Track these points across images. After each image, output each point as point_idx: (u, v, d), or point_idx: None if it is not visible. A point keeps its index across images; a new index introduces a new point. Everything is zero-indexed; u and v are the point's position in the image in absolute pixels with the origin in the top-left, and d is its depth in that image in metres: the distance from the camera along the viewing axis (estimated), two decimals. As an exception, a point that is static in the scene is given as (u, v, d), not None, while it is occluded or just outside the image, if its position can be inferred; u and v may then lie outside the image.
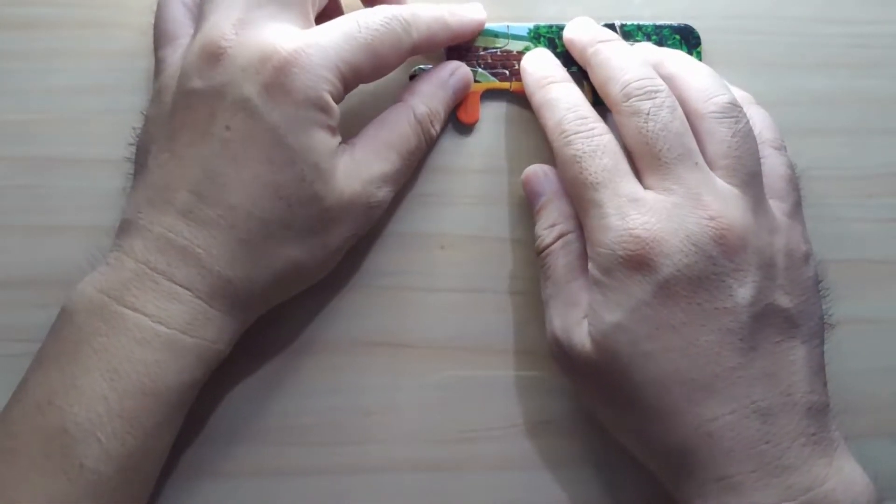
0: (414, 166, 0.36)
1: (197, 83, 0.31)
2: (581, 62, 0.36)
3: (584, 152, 0.32)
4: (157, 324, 0.30)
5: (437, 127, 0.36)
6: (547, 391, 0.36)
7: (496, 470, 0.36)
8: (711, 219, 0.30)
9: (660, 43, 0.37)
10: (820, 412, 0.31)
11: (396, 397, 0.36)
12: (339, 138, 0.33)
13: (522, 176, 0.36)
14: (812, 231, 0.37)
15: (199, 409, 0.35)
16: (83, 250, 0.34)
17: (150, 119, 0.33)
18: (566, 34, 0.37)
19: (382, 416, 0.36)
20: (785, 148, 0.35)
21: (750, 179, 0.32)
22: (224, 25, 0.31)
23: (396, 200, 0.37)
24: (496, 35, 0.37)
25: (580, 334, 0.32)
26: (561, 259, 0.34)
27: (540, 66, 0.36)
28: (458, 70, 0.36)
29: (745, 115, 0.33)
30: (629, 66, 0.33)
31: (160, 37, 0.34)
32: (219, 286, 0.31)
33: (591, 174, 0.32)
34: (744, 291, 0.30)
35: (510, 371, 0.36)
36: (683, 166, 0.31)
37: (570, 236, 0.34)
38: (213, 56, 0.31)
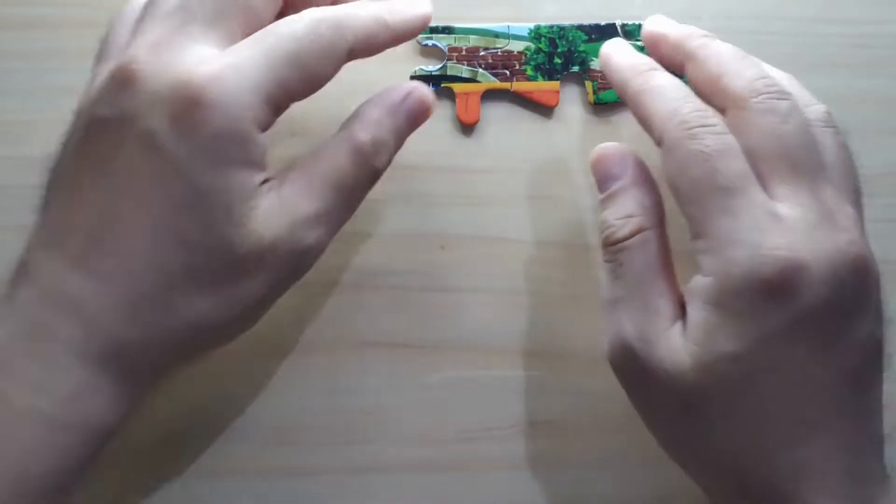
0: (355, 204, 0.31)
1: (104, 110, 0.28)
2: (673, 57, 0.32)
3: (716, 150, 0.28)
4: (36, 396, 0.26)
5: (384, 158, 0.31)
6: (547, 391, 0.36)
7: (496, 470, 0.36)
8: (851, 244, 0.27)
9: (660, 43, 0.37)
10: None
11: (396, 397, 0.36)
12: (263, 174, 0.29)
13: (594, 153, 0.32)
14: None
15: (198, 408, 0.35)
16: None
17: (62, 146, 0.29)
18: (651, 28, 0.33)
19: (382, 416, 0.36)
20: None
21: (858, 197, 0.30)
22: (140, 47, 0.28)
23: (396, 200, 0.37)
24: (497, 35, 0.37)
25: (671, 350, 0.28)
26: (639, 257, 0.30)
27: (629, 53, 0.33)
28: (413, 92, 0.32)
29: (839, 124, 0.30)
30: (748, 63, 0.30)
31: (101, 50, 0.31)
32: (111, 350, 0.27)
33: (724, 177, 0.28)
34: (865, 327, 0.28)
35: (510, 371, 0.36)
36: (818, 179, 0.28)
37: (650, 233, 0.30)
38: (123, 81, 0.27)
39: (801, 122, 0.29)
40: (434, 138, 0.37)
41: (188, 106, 0.27)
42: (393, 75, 0.37)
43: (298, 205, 0.29)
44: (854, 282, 0.27)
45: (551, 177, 0.37)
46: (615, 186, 0.31)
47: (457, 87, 0.37)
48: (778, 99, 0.29)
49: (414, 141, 0.37)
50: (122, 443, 0.35)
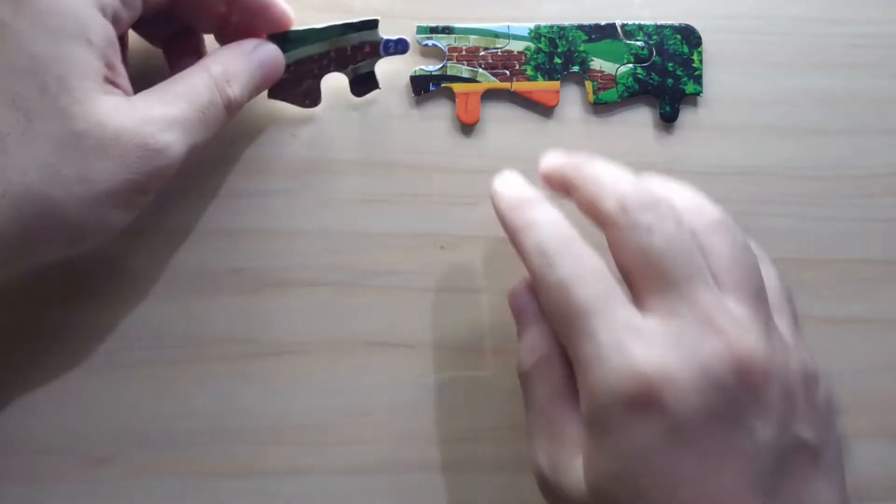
0: (211, 125, 0.32)
1: None
2: (560, 187, 0.32)
3: (573, 276, 0.28)
4: None
5: (237, 89, 0.33)
6: (547, 391, 0.36)
7: (496, 470, 0.36)
8: (730, 347, 0.26)
9: (661, 43, 0.37)
10: None
11: (396, 397, 0.36)
12: (112, 74, 0.30)
13: (508, 293, 0.33)
14: (812, 231, 0.37)
15: (198, 408, 0.35)
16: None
17: None
18: (542, 166, 0.33)
19: (382, 416, 0.36)
20: (768, 259, 0.33)
21: (758, 296, 0.28)
22: None
23: (396, 200, 0.37)
24: (497, 35, 0.37)
25: (572, 475, 0.28)
26: (543, 386, 0.30)
27: (514, 187, 0.32)
28: (263, 45, 0.34)
29: (738, 227, 0.30)
30: (622, 178, 0.30)
31: None
32: None
33: (579, 300, 0.28)
34: (766, 429, 0.26)
35: (510, 371, 0.36)
36: (694, 285, 0.27)
37: (554, 359, 0.30)
38: None
39: (670, 233, 0.28)
40: (434, 138, 0.37)
41: None
42: (394, 74, 0.37)
43: (150, 107, 0.30)
44: (736, 385, 0.26)
45: (551, 177, 0.37)
46: (523, 319, 0.32)
47: (457, 87, 0.37)
48: (644, 212, 0.28)
49: (414, 141, 0.37)
50: (123, 443, 0.35)
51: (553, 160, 0.33)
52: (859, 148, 0.38)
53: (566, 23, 0.37)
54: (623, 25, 0.37)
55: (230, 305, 0.36)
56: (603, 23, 0.37)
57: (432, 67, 0.37)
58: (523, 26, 0.37)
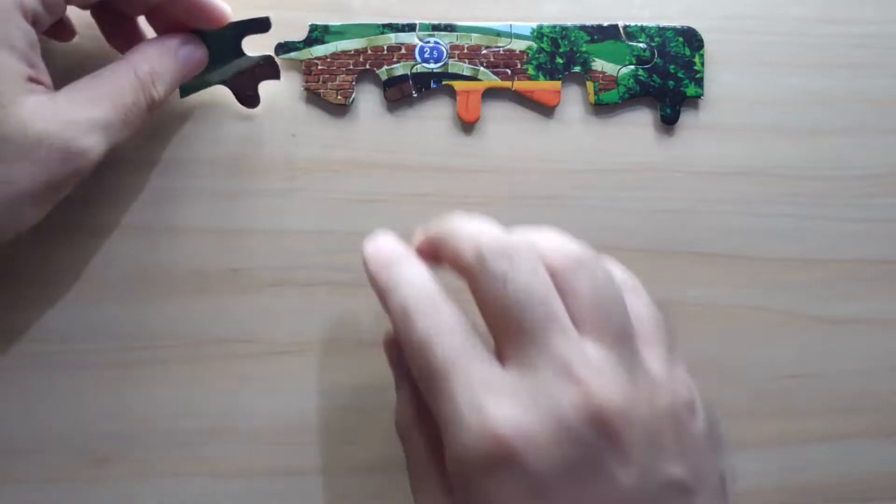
0: (133, 125, 0.32)
1: None
2: (432, 255, 0.31)
3: (429, 335, 0.27)
4: None
5: (161, 89, 0.33)
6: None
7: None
8: (585, 396, 0.26)
9: (663, 45, 0.37)
10: None
11: (396, 397, 0.36)
12: (35, 73, 0.30)
13: (382, 342, 0.33)
14: (812, 231, 0.37)
15: (198, 408, 0.35)
16: (84, 248, 0.34)
17: None
18: (413, 243, 0.31)
19: (381, 416, 0.36)
20: (641, 287, 0.31)
21: (621, 335, 0.27)
22: None
23: (395, 200, 0.37)
24: (499, 34, 0.37)
25: None
26: (418, 443, 0.30)
27: (382, 246, 0.31)
28: (187, 41, 0.34)
29: (600, 263, 0.29)
30: (483, 229, 0.29)
31: None
32: None
33: (437, 360, 0.27)
34: (628, 474, 0.26)
35: (511, 371, 0.36)
36: (548, 334, 0.26)
37: (427, 417, 0.29)
38: None
39: (524, 279, 0.27)
40: (434, 137, 0.37)
41: None
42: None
43: (75, 109, 0.30)
44: (594, 435, 0.25)
45: (551, 177, 0.37)
46: (397, 373, 0.32)
47: (458, 85, 0.37)
48: (500, 261, 0.27)
49: (414, 140, 0.37)
50: (123, 443, 0.35)
51: (422, 231, 0.31)
52: (859, 148, 0.38)
53: (569, 23, 0.37)
54: (625, 27, 0.37)
55: (230, 305, 0.36)
56: (605, 24, 0.37)
57: (433, 65, 0.37)
58: (525, 25, 0.37)
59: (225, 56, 0.36)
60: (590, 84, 0.37)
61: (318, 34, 0.36)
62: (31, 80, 0.30)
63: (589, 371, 0.26)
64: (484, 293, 0.28)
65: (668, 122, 0.37)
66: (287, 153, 0.37)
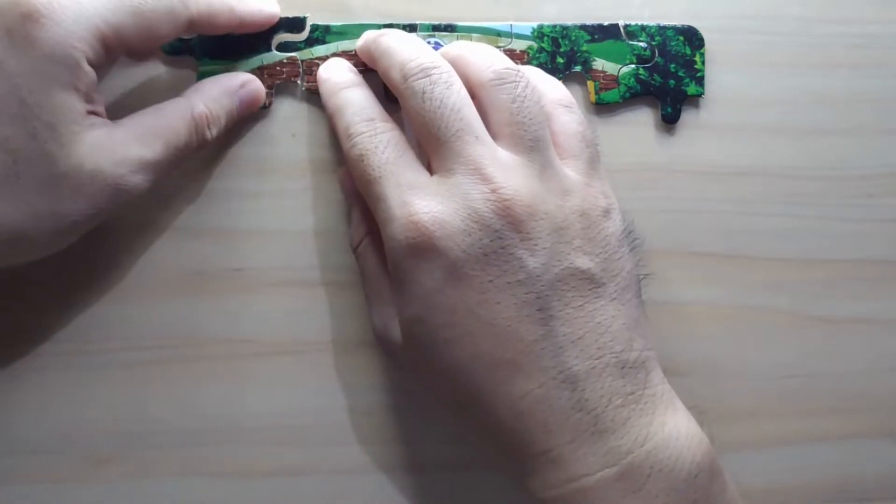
0: (180, 164, 0.34)
1: None
2: (370, 61, 0.35)
3: (367, 150, 0.32)
4: None
5: (214, 131, 0.34)
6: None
7: (496, 470, 0.36)
8: (494, 191, 0.29)
9: (663, 44, 0.37)
10: (637, 369, 0.30)
11: (396, 397, 0.36)
12: (90, 105, 0.31)
13: (337, 177, 0.36)
14: (812, 231, 0.37)
15: (198, 408, 0.35)
16: (85, 248, 0.34)
17: None
18: (356, 44, 0.36)
19: (382, 416, 0.36)
20: (575, 105, 0.34)
21: (535, 144, 0.31)
22: None
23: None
24: (499, 34, 0.37)
25: (395, 331, 0.32)
26: (370, 258, 0.34)
27: (334, 73, 0.35)
28: (249, 83, 0.35)
29: (525, 78, 0.32)
30: (409, 48, 0.32)
31: None
32: None
33: (373, 169, 0.31)
34: (535, 260, 0.29)
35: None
36: (462, 141, 0.30)
37: (376, 233, 0.33)
38: None
39: (440, 94, 0.31)
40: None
41: (25, 22, 0.28)
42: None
43: (128, 147, 0.31)
44: (501, 223, 0.29)
45: (552, 176, 0.37)
46: (350, 200, 0.35)
47: (458, 86, 0.37)
48: (420, 79, 0.31)
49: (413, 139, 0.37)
50: (123, 443, 0.35)
51: (364, 37, 0.35)
52: (859, 148, 0.38)
53: (570, 23, 0.37)
54: (626, 26, 0.37)
55: (230, 305, 0.36)
56: (606, 23, 0.37)
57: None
58: (526, 25, 0.37)
59: (253, 49, 0.36)
60: (590, 83, 0.37)
61: (318, 34, 0.36)
62: (90, 113, 0.31)
63: (498, 171, 0.30)
64: (409, 109, 0.31)
65: (669, 121, 0.37)
66: (287, 153, 0.37)
